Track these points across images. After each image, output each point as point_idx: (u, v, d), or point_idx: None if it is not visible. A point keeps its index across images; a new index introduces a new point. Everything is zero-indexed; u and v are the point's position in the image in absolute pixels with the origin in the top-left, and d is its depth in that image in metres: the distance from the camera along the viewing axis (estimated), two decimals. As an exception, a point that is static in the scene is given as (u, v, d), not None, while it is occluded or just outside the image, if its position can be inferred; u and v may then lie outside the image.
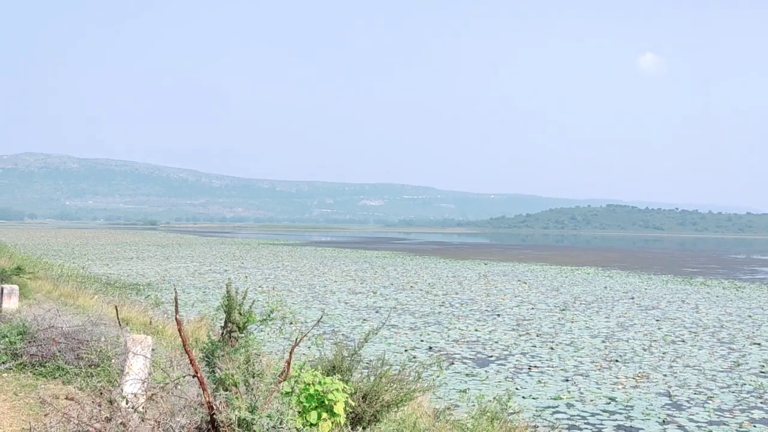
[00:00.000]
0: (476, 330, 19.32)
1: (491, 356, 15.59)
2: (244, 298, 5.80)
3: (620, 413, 11.11)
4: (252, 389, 4.85)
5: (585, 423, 10.52)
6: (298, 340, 5.53)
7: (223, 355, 5.36)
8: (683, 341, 18.18)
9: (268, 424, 4.55)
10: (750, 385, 13.28)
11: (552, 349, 16.64)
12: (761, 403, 11.97)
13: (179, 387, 5.20)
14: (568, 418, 10.73)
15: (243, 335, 5.60)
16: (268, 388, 4.86)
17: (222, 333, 5.69)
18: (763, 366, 15.15)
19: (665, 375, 14.00)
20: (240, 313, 5.65)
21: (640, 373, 14.16)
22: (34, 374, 8.60)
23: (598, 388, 12.74)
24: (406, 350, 15.88)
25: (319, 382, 5.66)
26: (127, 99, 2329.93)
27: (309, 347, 14.60)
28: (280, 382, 5.03)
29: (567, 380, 13.33)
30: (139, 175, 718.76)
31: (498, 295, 29.09)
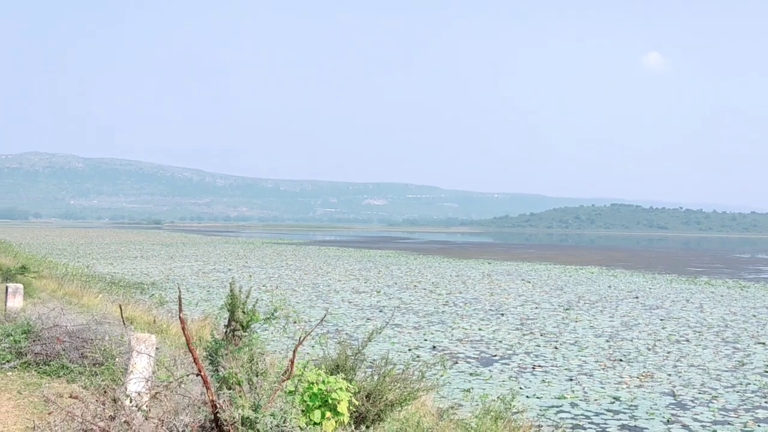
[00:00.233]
0: (480, 329, 19.30)
1: (495, 355, 15.57)
2: (247, 296, 5.80)
3: (624, 413, 11.09)
4: (255, 388, 4.85)
5: (589, 422, 10.50)
6: (302, 339, 5.53)
7: (226, 354, 5.36)
8: (687, 341, 18.13)
9: (271, 422, 4.55)
10: (755, 384, 13.24)
11: (556, 348, 16.61)
12: (766, 402, 11.93)
13: (183, 385, 5.21)
14: (572, 418, 10.71)
15: (246, 334, 5.60)
16: (271, 387, 4.86)
17: (225, 332, 5.69)
18: (768, 365, 15.10)
19: (669, 374, 13.97)
20: (243, 312, 5.65)
21: (644, 372, 14.13)
22: (38, 373, 8.62)
23: (603, 388, 12.71)
24: (409, 349, 15.87)
25: (323, 381, 5.66)
26: (131, 98, 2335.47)
27: (313, 346, 14.61)
28: (283, 381, 5.02)
29: (571, 380, 13.30)
30: (144, 175, 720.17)
31: (502, 294, 29.05)
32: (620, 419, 10.72)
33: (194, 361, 4.84)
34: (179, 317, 5.10)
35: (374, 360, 7.79)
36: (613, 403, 11.69)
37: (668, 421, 10.70)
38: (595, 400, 11.84)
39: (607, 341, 17.80)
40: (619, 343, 17.48)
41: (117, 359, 8.36)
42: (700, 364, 15.02)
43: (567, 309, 24.32)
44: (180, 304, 5.20)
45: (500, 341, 17.41)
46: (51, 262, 36.24)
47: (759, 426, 10.53)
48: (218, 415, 4.67)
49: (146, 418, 4.86)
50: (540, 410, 11.03)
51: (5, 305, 11.68)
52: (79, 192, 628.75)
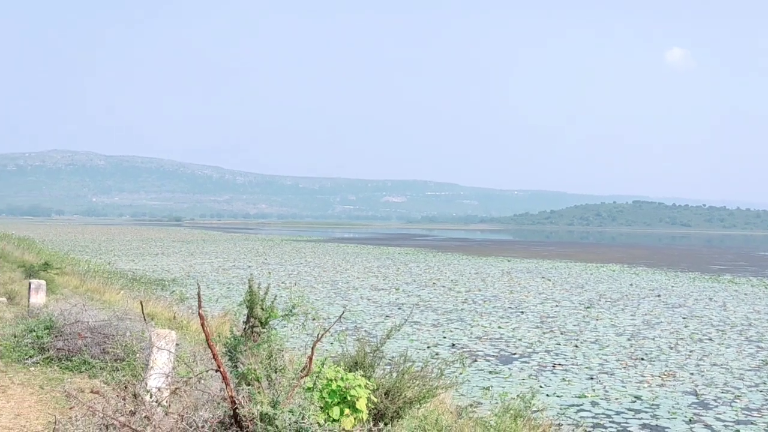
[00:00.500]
0: (499, 327, 19.21)
1: (515, 354, 15.49)
2: (266, 293, 5.80)
3: (646, 412, 10.98)
4: (274, 384, 4.85)
5: (610, 421, 10.40)
6: (321, 335, 5.52)
7: (245, 351, 5.37)
8: (710, 339, 17.91)
9: (290, 419, 4.54)
10: (779, 384, 13.04)
11: (576, 346, 16.49)
12: (791, 402, 11.75)
13: (202, 381, 5.22)
14: (592, 417, 10.62)
15: (265, 330, 5.61)
16: (290, 384, 4.85)
17: (244, 328, 5.70)
18: (793, 365, 14.86)
19: (692, 373, 13.81)
20: (262, 309, 5.66)
21: (666, 371, 13.98)
22: (60, 368, 8.72)
23: (624, 387, 12.59)
24: (428, 347, 15.84)
25: (342, 378, 5.65)
26: (152, 97, 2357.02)
27: (331, 343, 14.63)
28: (302, 378, 5.02)
29: (592, 378, 13.20)
30: (164, 172, 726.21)
31: (521, 292, 28.90)
32: (641, 418, 10.61)
33: (214, 357, 4.86)
34: (199, 314, 5.12)
35: (393, 357, 7.77)
36: (635, 402, 11.58)
37: (690, 420, 10.57)
38: (616, 399, 11.74)
39: (629, 340, 17.63)
40: (641, 342, 17.31)
41: (138, 355, 8.43)
42: (723, 363, 14.83)
43: (588, 307, 24.13)
44: (200, 301, 5.22)
45: (520, 339, 17.32)
46: (73, 259, 36.67)
47: (784, 426, 10.37)
48: (237, 410, 4.68)
49: (166, 414, 4.88)
50: (560, 409, 10.96)
51: (28, 301, 11.83)
52: (100, 189, 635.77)
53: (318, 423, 4.93)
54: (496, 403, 10.00)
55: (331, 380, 5.60)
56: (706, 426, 10.34)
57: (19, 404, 7.17)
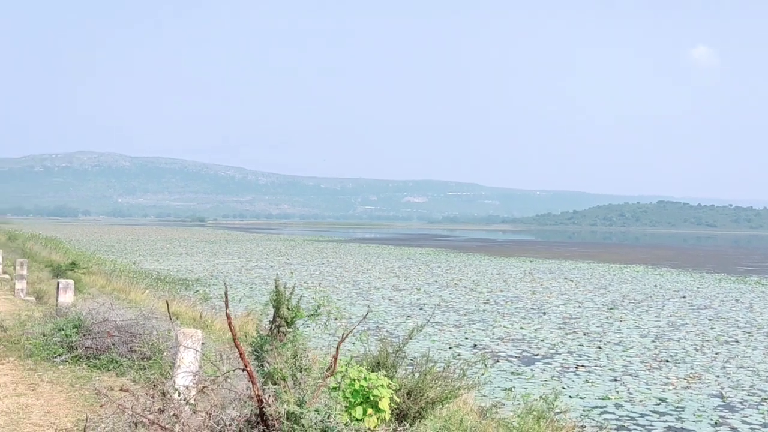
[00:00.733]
0: (522, 328, 19.14)
1: (537, 354, 15.43)
2: (291, 293, 5.87)
3: (671, 414, 10.89)
4: (300, 384, 4.91)
5: (634, 424, 10.34)
6: (345, 335, 5.57)
7: (271, 350, 5.43)
8: (737, 341, 17.68)
9: (315, 418, 4.59)
10: (808, 387, 12.85)
11: (600, 348, 16.38)
12: (820, 406, 11.58)
13: (229, 380, 5.30)
14: (616, 419, 10.56)
15: (291, 330, 5.67)
16: (315, 383, 4.91)
17: (270, 328, 5.76)
18: (822, 368, 14.63)
19: (718, 376, 13.66)
20: (288, 308, 5.72)
21: (691, 373, 13.84)
22: (88, 366, 8.86)
23: (648, 389, 12.49)
24: (450, 347, 15.84)
25: (365, 378, 5.69)
26: (177, 99, 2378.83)
27: (354, 343, 14.69)
28: (327, 377, 5.07)
29: (615, 380, 13.11)
30: (188, 173, 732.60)
31: (544, 292, 28.75)
32: (666, 421, 10.53)
33: (240, 356, 4.92)
34: (226, 313, 5.19)
35: (415, 358, 7.80)
36: (659, 404, 11.48)
37: (716, 423, 10.46)
38: (641, 401, 11.65)
39: (653, 341, 17.47)
40: (666, 344, 17.14)
41: (165, 354, 8.54)
42: (749, 366, 14.64)
43: (611, 308, 23.94)
44: (226, 301, 5.30)
45: (542, 340, 17.24)
46: (100, 259, 37.19)
47: (812, 430, 10.22)
48: (264, 409, 4.74)
49: (194, 412, 4.96)
50: (583, 411, 10.91)
51: (56, 300, 12.04)
52: (126, 190, 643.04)
53: (343, 422, 4.97)
54: (519, 404, 9.99)
55: (354, 380, 5.64)
56: (732, 429, 10.23)
57: (48, 402, 7.31)
